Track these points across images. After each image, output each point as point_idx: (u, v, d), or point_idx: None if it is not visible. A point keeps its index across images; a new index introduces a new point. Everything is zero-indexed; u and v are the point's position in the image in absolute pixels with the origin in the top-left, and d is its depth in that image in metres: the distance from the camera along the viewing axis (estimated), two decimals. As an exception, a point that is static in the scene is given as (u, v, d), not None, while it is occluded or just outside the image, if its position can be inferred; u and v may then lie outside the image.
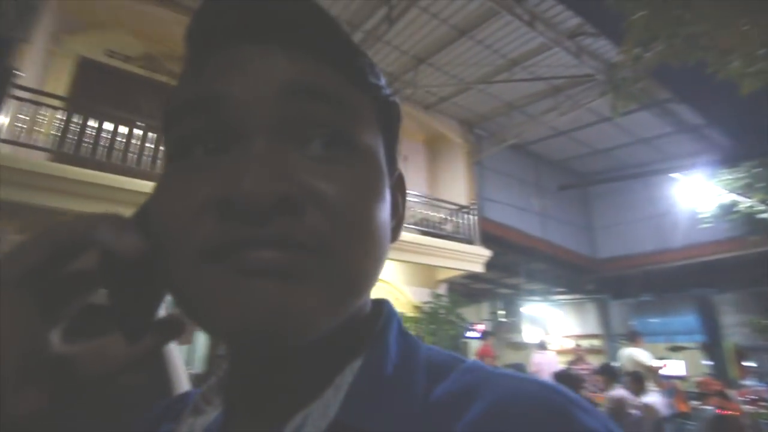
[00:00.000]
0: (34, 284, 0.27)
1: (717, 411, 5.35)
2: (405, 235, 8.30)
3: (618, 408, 4.20)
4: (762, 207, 5.71)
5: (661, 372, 6.54)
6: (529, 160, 11.13)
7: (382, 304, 0.38)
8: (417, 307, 8.72)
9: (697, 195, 7.76)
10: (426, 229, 8.63)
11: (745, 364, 8.98)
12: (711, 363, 9.57)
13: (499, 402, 0.28)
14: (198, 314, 0.28)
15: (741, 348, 9.24)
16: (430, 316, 8.26)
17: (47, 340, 0.29)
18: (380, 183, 0.32)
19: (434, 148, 10.41)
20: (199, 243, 0.27)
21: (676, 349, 9.61)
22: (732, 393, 6.94)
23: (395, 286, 8.80)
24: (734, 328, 9.63)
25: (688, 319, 10.92)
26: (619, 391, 4.42)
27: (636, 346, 6.90)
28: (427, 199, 9.16)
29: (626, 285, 11.14)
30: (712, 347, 9.96)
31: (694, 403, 6.72)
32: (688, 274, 10.21)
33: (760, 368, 9.06)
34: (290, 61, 0.30)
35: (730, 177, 6.33)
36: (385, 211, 0.32)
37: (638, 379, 5.04)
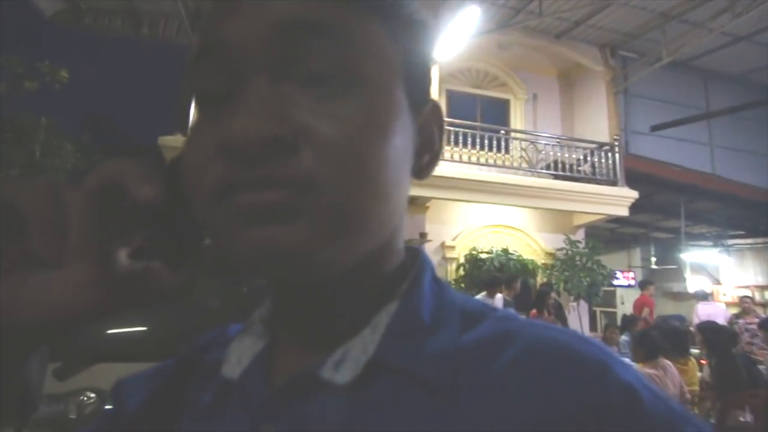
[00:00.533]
0: (98, 206, 0.27)
1: None
2: (535, 180, 7.17)
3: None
4: None
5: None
6: (693, 79, 8.64)
7: (416, 252, 0.36)
8: (550, 254, 7.77)
9: None
10: (559, 173, 7.30)
11: None
12: None
13: (533, 348, 0.29)
14: (220, 251, 0.29)
15: None
16: (563, 263, 7.29)
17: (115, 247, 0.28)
18: (389, 117, 0.28)
19: (569, 81, 8.77)
20: (208, 186, 0.26)
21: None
22: None
23: (526, 232, 7.90)
24: None
25: None
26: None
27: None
28: (560, 140, 7.71)
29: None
30: None
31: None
32: None
33: None
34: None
35: None
36: (394, 146, 0.28)
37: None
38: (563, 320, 5.87)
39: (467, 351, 0.29)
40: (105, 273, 0.26)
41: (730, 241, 10.23)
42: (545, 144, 7.67)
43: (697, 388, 3.52)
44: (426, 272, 0.34)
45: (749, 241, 10.03)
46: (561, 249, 7.50)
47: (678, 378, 3.02)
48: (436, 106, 0.34)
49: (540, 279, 7.43)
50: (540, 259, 7.75)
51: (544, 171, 7.51)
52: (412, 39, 0.31)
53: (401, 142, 0.29)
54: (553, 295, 5.88)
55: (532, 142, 7.73)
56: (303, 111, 0.26)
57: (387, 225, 0.30)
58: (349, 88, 0.27)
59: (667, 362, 3.05)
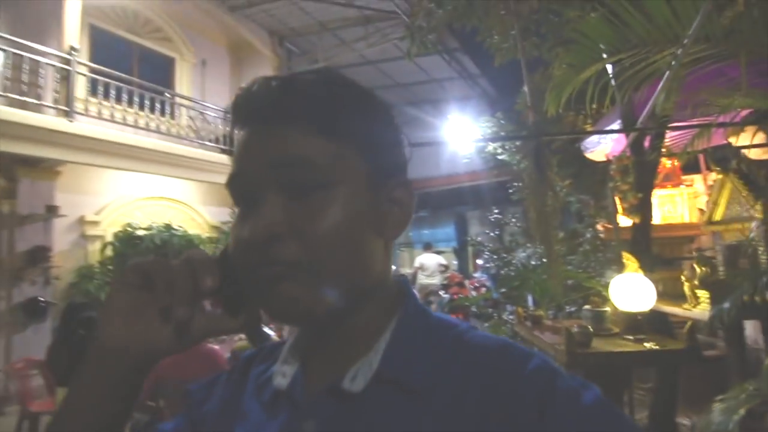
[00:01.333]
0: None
1: (454, 296, 6.50)
2: (203, 153, 5.98)
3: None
4: (501, 150, 6.18)
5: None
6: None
7: (401, 284, 0.43)
8: (216, 228, 6.76)
9: (464, 133, 7.67)
10: (228, 149, 6.39)
11: (478, 262, 10.15)
12: (458, 262, 10.76)
13: (479, 351, 0.38)
14: (258, 304, 0.39)
15: (476, 250, 10.18)
16: (228, 236, 6.32)
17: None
18: (348, 208, 0.36)
19: (239, 58, 7.91)
20: (250, 263, 0.36)
21: (438, 253, 9.99)
22: (467, 282, 8.18)
23: (191, 205, 6.65)
24: (477, 236, 10.38)
25: (448, 230, 11.82)
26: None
27: (427, 252, 8.49)
28: (227, 113, 6.75)
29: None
30: (461, 250, 11.10)
31: (443, 292, 7.53)
32: (452, 195, 10.80)
33: (486, 264, 10.30)
34: (274, 139, 0.36)
35: (485, 123, 6.71)
36: (353, 226, 0.36)
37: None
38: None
39: (438, 361, 0.38)
40: (201, 316, 0.39)
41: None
42: (215, 117, 6.57)
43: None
44: (408, 304, 0.42)
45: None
46: (227, 222, 6.84)
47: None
48: (405, 180, 0.42)
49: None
50: (206, 233, 6.77)
51: (212, 144, 6.45)
52: (374, 143, 0.39)
53: (360, 220, 0.37)
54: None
55: (201, 112, 6.47)
56: (292, 215, 0.36)
57: (359, 277, 0.38)
58: (320, 194, 0.36)
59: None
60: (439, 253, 9.53)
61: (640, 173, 3.19)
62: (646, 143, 3.15)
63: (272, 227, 0.35)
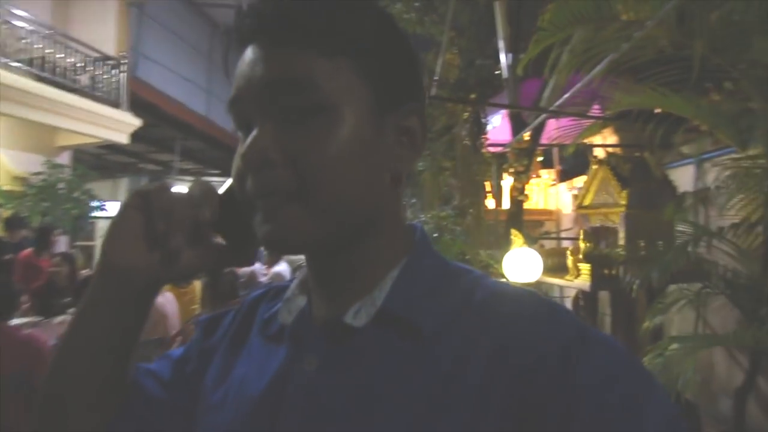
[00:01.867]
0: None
1: None
2: (7, 76, 4.41)
3: (250, 279, 4.17)
4: None
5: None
6: (204, 25, 7.99)
7: (414, 228, 0.42)
8: (20, 179, 5.20)
9: None
10: (46, 75, 4.89)
11: None
12: None
13: (492, 295, 0.37)
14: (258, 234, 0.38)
15: None
16: (41, 190, 5.28)
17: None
18: (347, 132, 0.34)
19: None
20: (246, 195, 0.36)
21: None
22: None
23: None
24: None
25: None
26: (255, 265, 4.45)
27: None
28: (52, 33, 5.15)
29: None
30: None
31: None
32: None
33: None
34: (272, 60, 0.34)
35: None
36: (352, 152, 0.35)
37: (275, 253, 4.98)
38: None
39: (447, 301, 0.36)
40: (200, 248, 0.39)
41: (210, 179, 10.70)
42: (30, 30, 4.91)
43: (197, 306, 3.24)
44: (420, 245, 0.40)
45: (223, 180, 10.87)
46: (39, 173, 5.28)
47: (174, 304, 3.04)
48: (417, 106, 0.38)
49: (4, 211, 4.87)
50: (5, 185, 5.11)
51: (24, 67, 4.84)
52: (378, 62, 0.36)
53: (361, 148, 0.35)
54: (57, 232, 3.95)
55: (6, 21, 4.75)
56: (287, 138, 0.34)
57: (357, 208, 0.36)
58: (316, 116, 0.34)
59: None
60: None
61: (523, 159, 3.55)
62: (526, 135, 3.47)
63: (263, 152, 0.34)
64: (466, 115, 5.23)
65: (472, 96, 5.56)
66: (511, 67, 3.53)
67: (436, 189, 4.65)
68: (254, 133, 0.34)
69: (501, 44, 3.66)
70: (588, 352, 0.31)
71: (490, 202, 4.45)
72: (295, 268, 7.24)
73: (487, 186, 4.77)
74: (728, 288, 1.71)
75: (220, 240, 0.40)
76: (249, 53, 0.36)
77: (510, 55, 3.57)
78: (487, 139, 4.70)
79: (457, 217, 3.85)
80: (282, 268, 5.06)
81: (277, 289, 0.47)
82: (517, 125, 3.51)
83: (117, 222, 0.38)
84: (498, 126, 4.76)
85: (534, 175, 4.77)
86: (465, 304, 0.36)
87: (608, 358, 0.32)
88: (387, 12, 0.39)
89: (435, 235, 3.55)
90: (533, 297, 0.36)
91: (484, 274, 0.40)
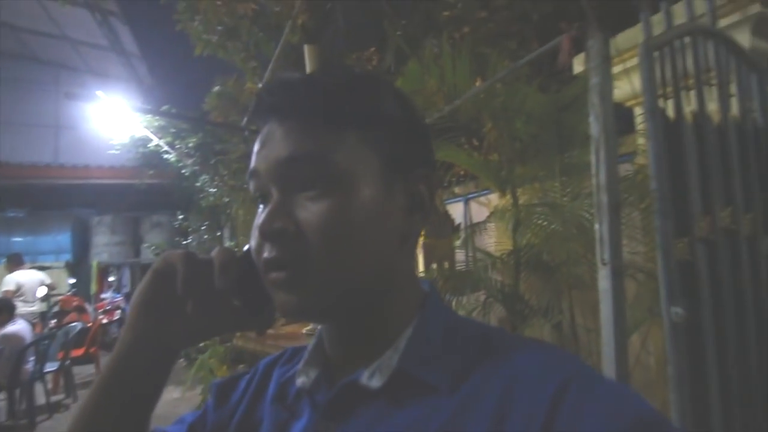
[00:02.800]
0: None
1: (72, 324, 5.16)
2: None
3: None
4: (167, 149, 5.64)
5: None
6: None
7: (423, 283, 0.43)
8: None
9: (113, 120, 6.51)
10: None
11: (109, 279, 8.56)
12: (75, 280, 8.27)
13: (507, 362, 0.36)
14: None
15: (104, 265, 8.60)
16: None
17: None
18: (358, 203, 0.36)
19: None
20: (261, 263, 0.38)
21: (40, 269, 7.54)
22: (91, 306, 6.80)
23: None
24: (106, 247, 8.60)
25: (59, 239, 8.94)
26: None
27: (17, 269, 5.73)
28: None
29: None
30: (78, 266, 8.74)
31: (54, 321, 5.91)
32: (73, 193, 8.41)
33: (119, 282, 8.87)
34: (286, 137, 0.37)
35: (151, 116, 5.88)
36: (362, 223, 0.36)
37: (4, 307, 4.12)
38: None
39: (461, 358, 0.37)
40: (218, 312, 0.41)
41: None
42: None
43: None
44: (431, 302, 0.41)
45: None
46: None
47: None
48: (425, 172, 0.40)
49: None
50: None
51: None
52: (387, 133, 0.38)
53: (368, 217, 0.36)
54: None
55: None
56: (299, 211, 0.36)
57: (365, 278, 0.37)
58: (327, 189, 0.36)
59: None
60: (42, 269, 7.22)
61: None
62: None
63: (276, 224, 0.35)
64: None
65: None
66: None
67: (250, 220, 4.49)
68: (270, 205, 0.37)
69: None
70: (590, 400, 0.30)
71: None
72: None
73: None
74: (500, 296, 2.35)
75: (238, 304, 0.41)
76: (266, 130, 0.38)
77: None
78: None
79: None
80: (20, 326, 4.15)
81: (292, 351, 0.48)
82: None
83: (144, 286, 0.40)
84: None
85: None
86: (476, 360, 0.36)
87: (609, 404, 0.30)
88: (394, 85, 0.42)
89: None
90: (543, 349, 0.36)
91: (497, 328, 0.40)
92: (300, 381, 0.42)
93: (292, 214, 0.36)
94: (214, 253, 0.40)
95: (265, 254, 0.37)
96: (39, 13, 6.19)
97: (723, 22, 1.51)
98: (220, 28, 4.30)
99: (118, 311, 7.04)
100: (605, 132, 1.07)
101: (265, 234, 0.36)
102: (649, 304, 1.61)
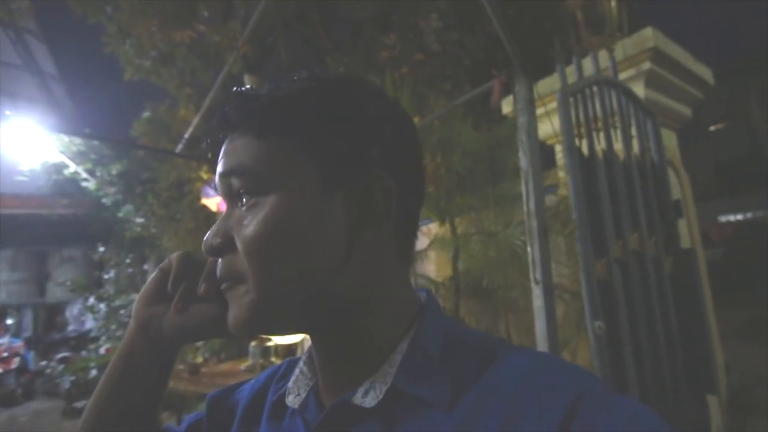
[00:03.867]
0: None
1: None
2: None
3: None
4: (86, 176, 5.27)
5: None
6: None
7: (421, 296, 0.42)
8: None
9: (23, 143, 6.00)
10: None
11: (7, 322, 7.51)
12: None
13: (508, 373, 0.34)
14: None
15: (1, 306, 7.55)
16: None
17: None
18: (293, 214, 0.34)
19: None
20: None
21: None
22: None
23: None
24: (5, 285, 7.62)
25: None
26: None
27: None
28: None
29: None
30: None
31: None
32: None
33: (18, 325, 7.79)
34: (226, 152, 0.37)
35: (69, 140, 5.55)
36: (300, 233, 0.34)
37: None
38: None
39: (460, 372, 0.35)
40: (208, 312, 0.40)
41: None
42: None
43: None
44: (429, 314, 0.39)
45: None
46: None
47: None
48: (373, 179, 0.36)
49: None
50: None
51: None
52: (323, 143, 0.36)
53: (305, 227, 0.34)
54: None
55: None
56: (236, 223, 0.35)
57: (310, 289, 0.35)
58: (262, 200, 0.35)
59: None
60: None
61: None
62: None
63: (211, 239, 0.36)
64: (205, 174, 5.07)
65: (209, 154, 5.48)
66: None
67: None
68: (222, 213, 0.38)
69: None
70: (603, 417, 0.29)
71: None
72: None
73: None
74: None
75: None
76: (215, 144, 0.38)
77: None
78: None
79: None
80: None
81: (288, 365, 0.47)
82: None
83: (149, 281, 0.43)
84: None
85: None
86: (477, 373, 0.34)
87: (624, 421, 0.29)
88: (361, 86, 0.39)
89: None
90: (545, 360, 0.35)
91: (496, 339, 0.39)
92: (290, 399, 0.40)
93: (230, 228, 0.36)
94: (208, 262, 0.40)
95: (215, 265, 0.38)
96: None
97: (622, 75, 1.79)
98: (154, 53, 4.19)
99: (17, 358, 6.17)
100: (533, 165, 1.21)
101: (206, 250, 0.37)
102: (575, 321, 1.77)
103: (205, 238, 0.37)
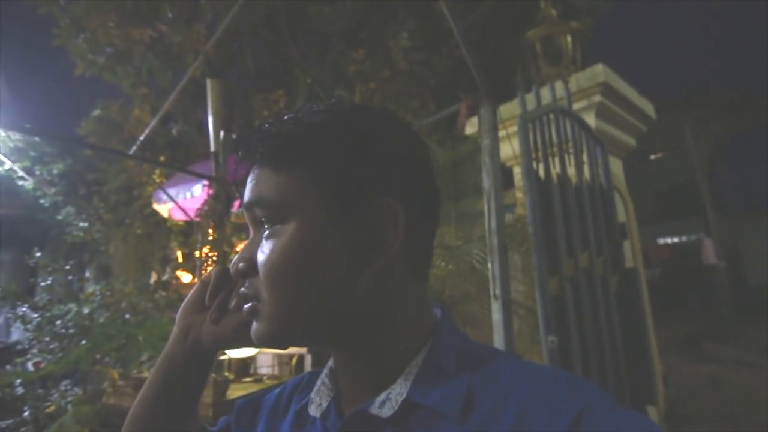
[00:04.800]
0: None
1: None
2: None
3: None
4: (22, 174, 4.94)
5: None
6: None
7: (436, 311, 0.44)
8: None
9: None
10: None
11: None
12: None
13: (515, 387, 0.36)
14: None
15: None
16: None
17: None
18: (306, 241, 0.38)
19: None
20: None
21: None
22: None
23: None
24: None
25: None
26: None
27: None
28: None
29: None
30: None
31: None
32: None
33: None
34: (251, 183, 0.41)
35: (5, 135, 5.27)
36: (314, 259, 0.37)
37: None
38: None
39: (473, 386, 0.37)
40: (242, 323, 0.43)
41: None
42: None
43: None
44: (443, 329, 0.42)
45: None
46: None
47: None
48: (381, 206, 0.38)
49: None
50: None
51: None
52: (331, 170, 0.38)
53: (319, 253, 0.38)
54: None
55: None
56: (259, 249, 0.40)
57: (320, 310, 0.38)
58: (279, 229, 0.39)
59: None
60: None
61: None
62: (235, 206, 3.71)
63: (237, 263, 0.41)
64: (158, 178, 4.86)
65: (162, 158, 5.26)
66: (224, 143, 3.71)
67: (131, 260, 3.96)
68: (249, 238, 0.43)
69: (210, 119, 3.82)
70: (601, 424, 0.31)
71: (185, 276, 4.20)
72: None
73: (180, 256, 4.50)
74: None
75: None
76: (249, 172, 0.42)
77: (222, 132, 3.77)
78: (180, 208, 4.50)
79: (154, 293, 3.39)
80: None
81: (310, 376, 0.50)
82: (228, 198, 3.65)
83: (191, 291, 0.48)
84: (198, 196, 4.70)
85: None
86: (488, 386, 0.36)
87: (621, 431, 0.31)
88: (352, 120, 0.40)
89: (127, 316, 2.97)
90: (552, 374, 0.37)
91: (505, 353, 0.42)
92: (312, 409, 0.43)
93: (254, 253, 0.40)
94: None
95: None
96: None
97: (576, 106, 1.94)
98: (109, 49, 4.02)
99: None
100: (495, 185, 1.28)
101: (233, 273, 0.42)
102: (529, 334, 1.85)
103: (232, 262, 0.41)
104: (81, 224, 4.68)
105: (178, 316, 0.48)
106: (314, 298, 0.38)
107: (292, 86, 3.42)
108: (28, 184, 5.21)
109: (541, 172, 1.43)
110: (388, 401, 0.37)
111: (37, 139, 5.38)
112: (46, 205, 5.33)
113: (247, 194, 0.41)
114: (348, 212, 0.38)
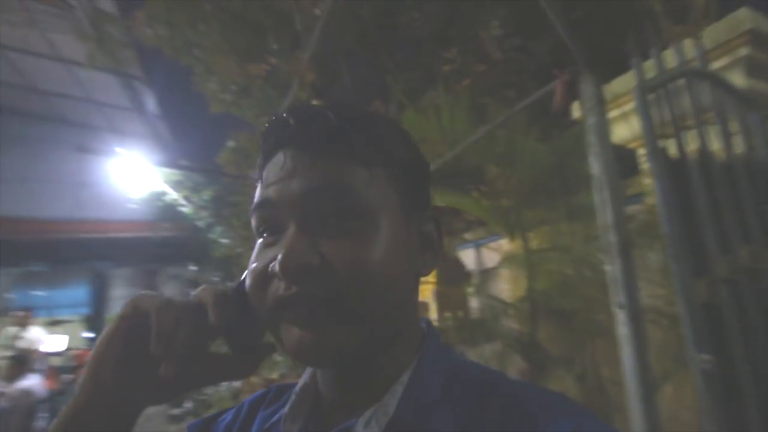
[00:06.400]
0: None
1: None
2: None
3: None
4: (183, 202, 5.96)
5: (41, 350, 5.52)
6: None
7: (422, 325, 0.41)
8: None
9: (132, 175, 6.75)
10: None
11: None
12: (92, 335, 8.05)
13: (506, 404, 0.35)
14: (278, 343, 0.37)
15: None
16: None
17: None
18: (384, 239, 0.35)
19: None
20: (269, 301, 0.34)
21: (55, 323, 7.54)
22: None
23: None
24: (124, 299, 8.60)
25: (77, 292, 8.92)
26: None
27: (25, 324, 5.57)
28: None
29: (14, 251, 7.66)
30: (95, 319, 8.51)
31: (68, 377, 5.61)
32: (92, 246, 8.52)
33: None
34: (313, 167, 0.35)
35: (168, 171, 5.99)
36: (386, 259, 0.34)
37: (19, 362, 4.04)
38: None
39: (460, 404, 0.35)
40: (199, 363, 0.36)
41: None
42: None
43: None
44: (431, 345, 0.39)
45: None
46: None
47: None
48: (434, 213, 0.40)
49: None
50: None
51: None
52: (406, 172, 0.38)
53: (393, 253, 0.35)
54: None
55: None
56: (324, 245, 0.34)
57: (396, 316, 0.36)
58: (353, 224, 0.34)
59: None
60: (57, 323, 7.23)
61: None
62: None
63: (303, 258, 0.32)
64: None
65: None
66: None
67: None
68: (290, 238, 0.33)
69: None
70: None
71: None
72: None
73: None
74: (518, 345, 2.23)
75: (228, 346, 0.39)
76: (286, 159, 0.35)
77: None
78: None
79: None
80: (32, 381, 4.04)
81: (276, 390, 0.45)
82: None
83: (109, 334, 0.35)
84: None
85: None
86: (479, 406, 0.35)
87: None
88: (404, 128, 0.42)
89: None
90: (543, 394, 0.36)
91: (495, 370, 0.40)
92: (286, 425, 0.39)
93: (317, 248, 0.33)
94: (198, 292, 0.36)
95: (281, 291, 0.33)
96: (66, 77, 6.63)
97: (715, 65, 1.53)
98: (234, 87, 4.56)
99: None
100: (607, 170, 1.05)
101: (288, 269, 0.32)
102: (675, 351, 1.50)
103: (284, 256, 0.32)
104: (224, 241, 5.39)
105: (92, 367, 0.36)
106: (392, 304, 0.35)
107: (386, 95, 3.44)
108: (188, 209, 6.21)
109: (673, 151, 1.15)
110: (374, 420, 0.35)
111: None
112: (202, 226, 6.28)
113: (311, 179, 0.34)
114: (411, 218, 0.38)
